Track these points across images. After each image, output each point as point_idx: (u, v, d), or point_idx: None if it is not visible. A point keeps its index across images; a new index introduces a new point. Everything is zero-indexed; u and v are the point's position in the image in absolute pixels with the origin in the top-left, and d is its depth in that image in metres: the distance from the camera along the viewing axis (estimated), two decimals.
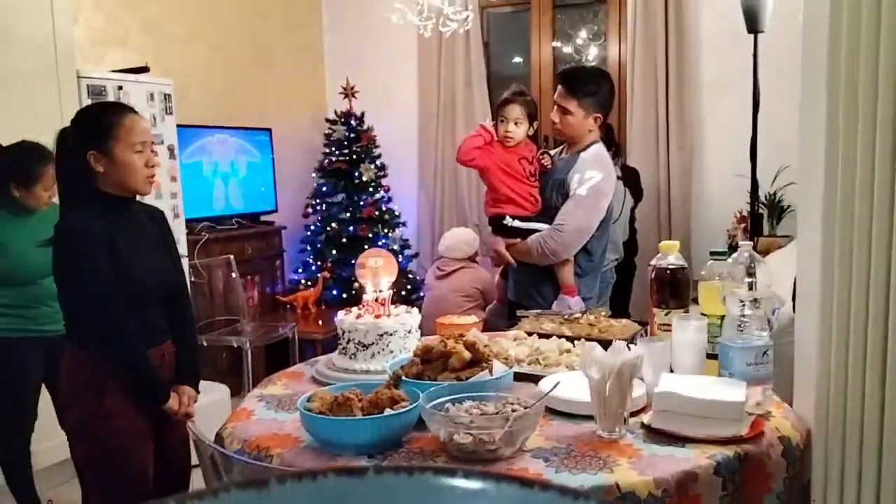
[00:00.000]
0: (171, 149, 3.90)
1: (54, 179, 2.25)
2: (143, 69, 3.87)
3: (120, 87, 3.66)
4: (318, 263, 5.16)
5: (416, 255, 5.50)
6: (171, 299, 2.08)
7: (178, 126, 3.98)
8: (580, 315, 2.23)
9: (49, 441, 2.91)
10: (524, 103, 2.65)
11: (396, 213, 5.32)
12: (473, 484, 0.26)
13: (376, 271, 2.00)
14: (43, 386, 2.77)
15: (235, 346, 4.14)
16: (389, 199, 5.33)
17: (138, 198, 2.05)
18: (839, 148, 1.51)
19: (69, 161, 1.96)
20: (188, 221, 4.11)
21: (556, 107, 2.63)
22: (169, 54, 4.44)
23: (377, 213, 5.16)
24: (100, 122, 1.93)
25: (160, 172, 3.72)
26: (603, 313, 2.27)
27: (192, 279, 4.05)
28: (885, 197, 1.45)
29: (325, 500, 0.25)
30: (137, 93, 3.71)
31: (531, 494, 0.25)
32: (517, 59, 5.76)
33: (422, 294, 4.86)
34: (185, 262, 3.80)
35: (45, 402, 2.73)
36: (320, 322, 4.78)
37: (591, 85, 2.58)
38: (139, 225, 2.03)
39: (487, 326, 3.05)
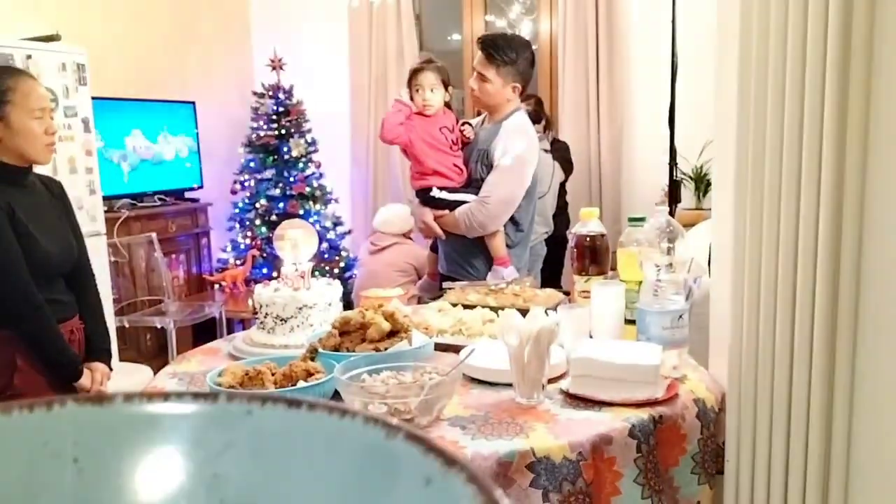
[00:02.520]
0: (85, 121, 3.71)
1: None
2: (54, 38, 3.67)
3: (29, 56, 3.45)
4: (248, 241, 5.04)
5: (350, 231, 5.43)
6: (74, 274, 2.00)
7: (95, 98, 3.79)
8: (505, 286, 2.23)
9: None
10: (436, 69, 2.62)
11: (328, 190, 5.22)
12: (238, 407, 0.23)
13: (296, 243, 1.95)
14: None
15: (159, 326, 4.02)
16: (321, 175, 5.23)
17: (39, 170, 1.95)
18: (750, 118, 1.53)
19: None
20: (106, 198, 3.93)
21: (475, 73, 2.60)
22: (84, 23, 4.23)
23: (308, 189, 5.06)
24: None
25: (75, 147, 3.59)
26: (528, 283, 2.27)
27: (112, 259, 3.90)
28: (793, 165, 1.47)
29: (62, 432, 0.22)
30: (48, 62, 3.52)
31: (297, 414, 0.22)
32: (452, 35, 5.70)
33: (355, 271, 4.81)
34: (103, 241, 3.65)
35: None
36: (249, 301, 4.68)
37: (510, 53, 2.55)
38: (38, 196, 1.93)
39: (419, 301, 3.03)
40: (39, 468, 0.21)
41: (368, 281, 3.92)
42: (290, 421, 0.22)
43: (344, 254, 5.21)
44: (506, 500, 0.19)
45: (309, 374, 1.44)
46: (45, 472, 0.21)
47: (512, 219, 2.63)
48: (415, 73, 2.63)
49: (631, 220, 1.81)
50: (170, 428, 0.22)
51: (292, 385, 1.41)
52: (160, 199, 4.61)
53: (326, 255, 4.98)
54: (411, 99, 2.61)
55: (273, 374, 1.43)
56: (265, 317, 1.86)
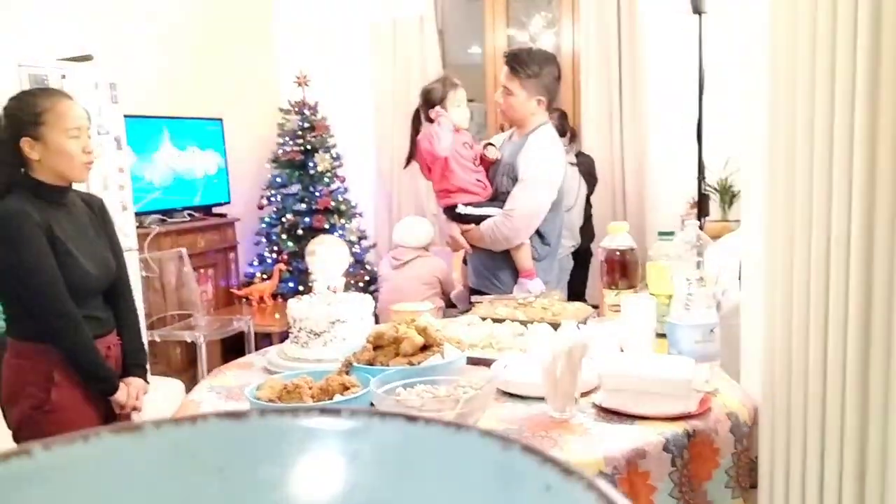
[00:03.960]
0: (117, 139, 3.79)
1: None
2: (87, 58, 3.76)
3: (63, 76, 3.55)
4: (274, 256, 5.10)
5: (374, 245, 5.47)
6: (112, 291, 2.04)
7: (126, 116, 3.87)
8: (534, 299, 2.24)
9: None
10: (464, 88, 2.67)
11: (353, 204, 5.27)
12: (359, 422, 0.25)
13: (327, 258, 1.98)
14: None
15: (189, 340, 4.07)
16: (345, 190, 5.28)
17: (79, 187, 2.00)
18: (780, 130, 1.53)
19: (1, 150, 1.89)
20: (137, 215, 4.01)
21: (501, 88, 2.64)
22: (116, 43, 4.32)
23: (333, 203, 5.11)
24: (32, 108, 1.87)
25: (107, 164, 3.66)
26: (557, 297, 2.29)
27: (144, 274, 3.96)
28: (823, 176, 1.47)
29: (207, 444, 0.24)
30: (81, 82, 3.61)
31: (416, 428, 0.24)
32: (473, 49, 5.75)
33: (379, 285, 4.84)
34: (134, 256, 3.72)
35: None
36: (277, 315, 4.73)
37: (534, 66, 2.58)
38: (77, 214, 1.98)
39: (446, 315, 3.05)
40: (188, 478, 0.23)
41: (394, 295, 3.94)
42: (408, 435, 0.24)
43: (368, 268, 5.24)
44: None
45: (345, 388, 1.46)
46: (193, 481, 0.23)
47: (538, 232, 2.65)
48: (454, 89, 2.66)
49: (661, 234, 1.82)
50: (299, 440, 0.24)
51: (329, 399, 1.43)
52: (189, 214, 4.68)
53: (351, 269, 5.01)
54: (430, 118, 2.66)
55: (310, 388, 1.45)
56: (299, 331, 1.89)
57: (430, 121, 2.66)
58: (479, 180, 2.65)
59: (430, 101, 2.69)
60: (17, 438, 1.95)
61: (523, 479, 0.22)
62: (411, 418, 0.25)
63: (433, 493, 0.23)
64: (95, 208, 2.06)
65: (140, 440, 0.23)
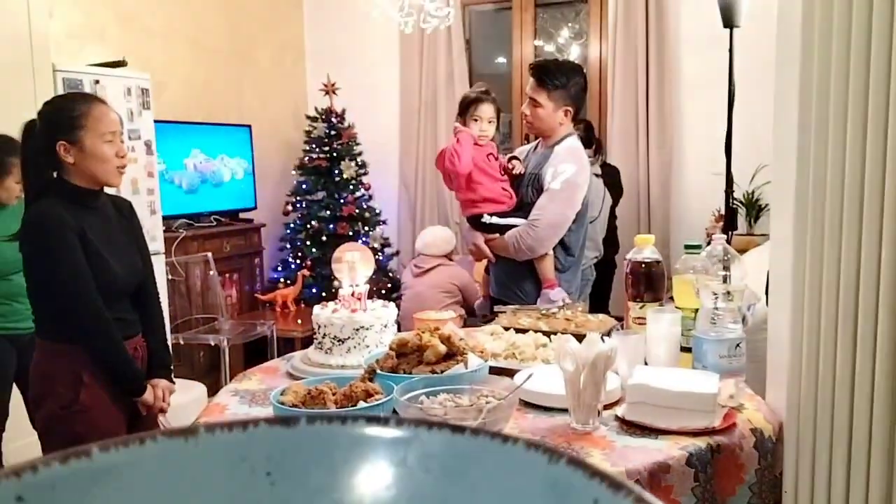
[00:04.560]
0: (148, 144, 3.86)
1: None
2: (121, 63, 3.83)
3: (97, 81, 3.61)
4: (298, 261, 5.14)
5: (397, 253, 5.49)
6: (140, 293, 2.07)
7: (156, 122, 3.94)
8: (557, 310, 2.24)
9: (18, 441, 2.86)
10: (493, 101, 2.67)
11: (377, 211, 5.30)
12: (406, 431, 0.25)
13: (353, 265, 1.99)
14: (14, 385, 2.73)
15: (213, 344, 4.12)
16: (370, 197, 5.31)
17: (108, 190, 2.03)
18: (811, 145, 1.52)
19: (36, 153, 1.93)
20: (165, 218, 4.07)
21: (527, 99, 2.63)
22: (147, 49, 4.40)
23: (357, 210, 5.14)
24: (68, 112, 1.91)
25: (137, 168, 3.72)
26: (580, 308, 2.28)
27: (170, 277, 4.02)
28: (854, 193, 1.46)
29: (257, 449, 0.25)
30: (114, 87, 3.67)
31: (462, 438, 0.25)
32: (500, 59, 5.77)
33: (402, 292, 4.85)
34: (161, 260, 3.77)
35: (15, 400, 2.69)
36: (299, 320, 4.76)
37: (561, 77, 2.58)
38: (107, 217, 2.01)
39: (467, 323, 3.05)
40: (238, 481, 0.24)
41: (415, 303, 3.96)
42: (455, 445, 0.24)
43: (391, 275, 5.26)
44: None
45: (368, 395, 1.47)
46: (243, 484, 0.24)
47: (562, 243, 2.64)
48: (475, 102, 2.66)
49: (687, 247, 1.81)
50: (347, 447, 0.25)
51: (353, 405, 1.44)
52: (216, 219, 4.73)
53: (374, 277, 5.03)
54: (464, 125, 2.66)
55: (334, 394, 1.46)
56: (323, 337, 1.91)
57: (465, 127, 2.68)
58: (504, 189, 2.66)
59: (460, 110, 2.72)
60: (44, 437, 1.98)
61: (570, 493, 0.22)
62: (457, 428, 0.25)
63: (478, 503, 0.24)
64: (125, 211, 2.09)
65: (193, 444, 0.24)
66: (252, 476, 0.24)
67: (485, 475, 0.24)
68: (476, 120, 2.63)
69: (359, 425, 0.26)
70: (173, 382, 2.12)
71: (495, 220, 2.63)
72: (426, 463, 0.24)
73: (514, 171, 2.70)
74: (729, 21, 3.81)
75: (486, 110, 2.63)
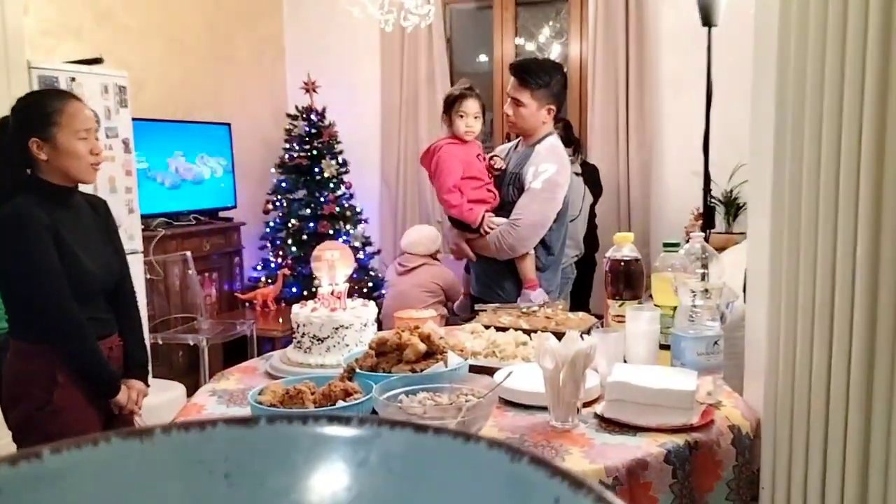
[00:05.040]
0: (125, 142, 3.81)
1: None
2: (97, 60, 3.78)
3: (73, 79, 3.56)
4: (279, 260, 5.11)
5: (378, 251, 5.48)
6: (115, 292, 2.04)
7: (134, 120, 3.89)
8: (537, 308, 2.24)
9: None
10: (478, 97, 2.66)
11: (358, 210, 5.28)
12: (367, 431, 0.25)
13: (332, 264, 1.98)
14: None
15: (192, 344, 4.08)
16: (351, 196, 5.29)
17: (82, 188, 2.01)
18: (787, 143, 1.53)
19: (9, 150, 1.89)
20: (144, 217, 4.02)
21: (509, 99, 2.63)
22: (124, 47, 4.35)
23: (338, 209, 5.12)
24: (41, 108, 1.88)
25: (115, 167, 3.68)
26: (560, 307, 2.28)
27: (148, 276, 3.97)
28: (830, 192, 1.48)
29: (215, 450, 0.24)
30: (91, 84, 3.63)
31: (424, 438, 0.24)
32: (481, 58, 5.77)
33: (383, 291, 4.84)
34: (140, 259, 3.73)
35: None
36: (280, 320, 4.73)
37: (544, 76, 2.58)
38: (82, 215, 1.98)
39: (448, 322, 3.04)
40: (195, 482, 0.23)
41: (397, 301, 3.95)
42: (417, 444, 0.24)
43: (372, 274, 5.25)
44: None
45: (347, 394, 1.46)
46: (200, 486, 0.23)
47: (543, 242, 2.65)
48: (459, 98, 2.64)
49: (666, 245, 1.82)
50: (308, 447, 0.24)
51: (331, 404, 1.43)
52: (195, 218, 4.69)
53: (355, 275, 5.02)
54: (450, 124, 2.65)
55: (313, 394, 1.46)
56: (302, 336, 1.89)
57: (450, 125, 2.67)
58: (489, 190, 2.66)
59: (444, 107, 2.70)
60: (18, 438, 1.96)
61: (532, 491, 0.22)
62: (420, 427, 0.25)
63: (440, 502, 0.23)
64: (100, 209, 2.07)
65: (149, 445, 0.24)
66: (210, 477, 0.24)
67: (448, 474, 0.23)
68: (461, 116, 2.63)
69: (320, 425, 0.25)
70: (148, 384, 2.10)
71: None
72: (388, 463, 0.24)
73: (495, 167, 2.70)
74: (707, 20, 3.84)
75: (471, 106, 2.62)
